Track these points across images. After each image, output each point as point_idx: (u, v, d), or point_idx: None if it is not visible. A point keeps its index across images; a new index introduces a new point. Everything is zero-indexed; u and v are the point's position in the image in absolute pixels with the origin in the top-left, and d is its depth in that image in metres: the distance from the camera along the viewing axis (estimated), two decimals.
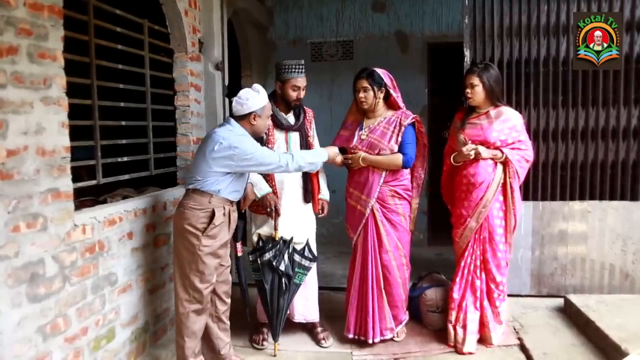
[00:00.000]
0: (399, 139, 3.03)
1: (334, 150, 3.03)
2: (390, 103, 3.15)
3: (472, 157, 3.00)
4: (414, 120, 3.09)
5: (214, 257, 2.64)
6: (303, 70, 3.08)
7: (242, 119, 2.68)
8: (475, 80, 3.02)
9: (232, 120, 2.70)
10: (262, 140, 3.10)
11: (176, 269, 2.70)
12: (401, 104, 3.12)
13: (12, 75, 1.98)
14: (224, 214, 2.63)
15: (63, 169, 2.28)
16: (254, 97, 2.65)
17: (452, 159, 3.13)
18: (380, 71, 3.07)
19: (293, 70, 3.06)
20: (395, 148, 3.02)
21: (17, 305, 2.03)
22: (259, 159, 2.61)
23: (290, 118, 3.19)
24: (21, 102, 2.03)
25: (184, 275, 2.64)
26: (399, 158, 3.02)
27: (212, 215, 2.59)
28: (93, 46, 2.72)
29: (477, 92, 3.03)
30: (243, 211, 2.97)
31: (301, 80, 3.08)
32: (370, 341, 3.07)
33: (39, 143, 2.13)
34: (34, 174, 2.10)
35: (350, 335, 3.14)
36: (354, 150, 3.10)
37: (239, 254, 2.96)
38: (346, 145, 3.16)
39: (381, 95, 3.07)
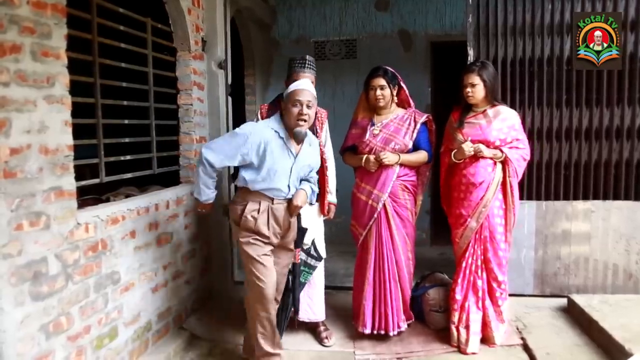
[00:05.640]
0: (414, 135, 3.09)
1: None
2: (400, 100, 3.18)
3: (471, 154, 3.00)
4: (427, 119, 3.17)
5: (254, 249, 2.66)
6: (308, 65, 3.01)
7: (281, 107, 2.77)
8: (476, 79, 3.01)
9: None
10: None
11: None
12: (411, 101, 3.19)
13: (16, 74, 1.99)
14: (258, 210, 2.65)
15: (66, 168, 2.28)
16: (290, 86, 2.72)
17: (452, 156, 3.10)
18: (390, 69, 3.11)
19: (296, 65, 3.02)
20: (410, 144, 3.08)
21: (20, 304, 2.03)
22: (212, 142, 2.73)
23: None
24: (24, 100, 2.03)
25: (244, 265, 2.73)
26: (425, 155, 3.13)
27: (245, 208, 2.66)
28: (96, 44, 2.72)
29: (477, 90, 3.02)
30: (292, 217, 2.80)
31: (304, 76, 2.98)
32: (391, 333, 3.10)
33: (42, 141, 2.13)
34: (37, 172, 2.11)
35: (367, 331, 3.13)
36: (367, 145, 3.11)
37: (296, 261, 2.94)
38: (359, 141, 3.17)
39: (395, 92, 3.11)
